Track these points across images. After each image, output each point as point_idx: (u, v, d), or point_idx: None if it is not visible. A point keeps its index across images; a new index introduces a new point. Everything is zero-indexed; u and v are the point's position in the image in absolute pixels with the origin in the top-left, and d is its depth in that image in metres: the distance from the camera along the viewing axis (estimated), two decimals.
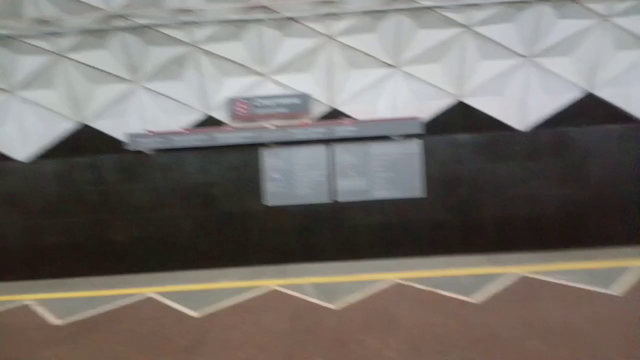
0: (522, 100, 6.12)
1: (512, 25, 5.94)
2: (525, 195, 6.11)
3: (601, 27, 5.87)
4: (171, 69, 6.20)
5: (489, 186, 6.15)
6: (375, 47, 6.09)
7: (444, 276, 4.77)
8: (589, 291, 4.12)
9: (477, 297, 4.12)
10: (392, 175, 6.25)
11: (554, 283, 4.34)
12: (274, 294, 4.61)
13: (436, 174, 6.22)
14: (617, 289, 4.10)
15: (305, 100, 6.23)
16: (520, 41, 5.97)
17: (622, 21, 5.76)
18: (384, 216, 6.20)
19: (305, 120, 6.27)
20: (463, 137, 6.19)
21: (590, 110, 6.13)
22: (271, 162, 6.28)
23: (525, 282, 4.40)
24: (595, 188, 6.06)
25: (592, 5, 5.79)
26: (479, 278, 4.57)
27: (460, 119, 6.21)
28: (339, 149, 6.24)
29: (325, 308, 4.15)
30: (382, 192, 6.24)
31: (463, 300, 4.09)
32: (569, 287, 4.22)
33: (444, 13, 5.90)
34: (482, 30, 5.93)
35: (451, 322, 3.70)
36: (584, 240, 5.90)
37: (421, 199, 6.19)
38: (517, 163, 6.15)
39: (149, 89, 6.25)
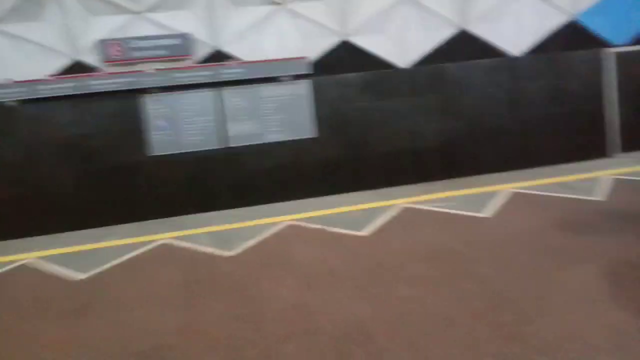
0: (402, 37, 6.29)
1: None
2: (410, 131, 6.44)
3: None
4: (28, 9, 5.44)
5: (376, 123, 6.38)
6: None
7: (337, 213, 4.95)
8: (464, 215, 4.52)
9: (366, 231, 4.34)
10: (283, 117, 6.21)
11: (434, 211, 4.70)
12: (167, 248, 4.48)
13: (326, 114, 6.29)
14: (487, 212, 4.54)
15: (186, 40, 5.85)
16: None
17: None
18: (278, 159, 6.20)
19: (187, 63, 5.92)
20: (349, 76, 6.27)
21: (464, 45, 6.49)
22: (154, 109, 5.90)
23: (408, 212, 4.71)
24: (470, 119, 6.54)
25: None
26: (368, 212, 4.80)
27: (346, 57, 6.26)
28: (227, 92, 6.02)
29: (221, 256, 4.13)
30: (274, 135, 6.20)
31: (353, 235, 4.29)
32: (447, 214, 4.60)
33: None
34: None
35: (342, 255, 3.88)
36: (462, 169, 6.42)
37: (313, 139, 6.25)
38: (401, 99, 6.41)
39: (4, 32, 5.46)
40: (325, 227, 4.55)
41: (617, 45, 6.76)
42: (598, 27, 6.68)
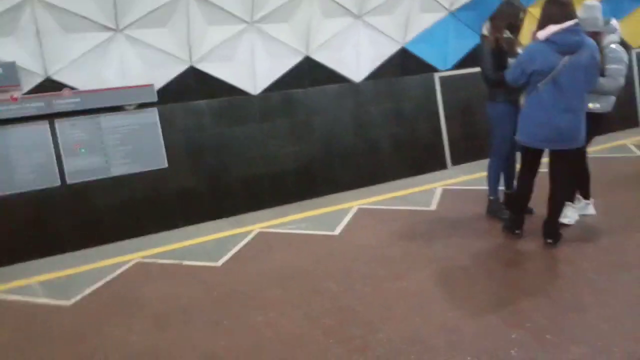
0: (250, 65, 6.41)
1: None
2: (265, 155, 6.53)
3: None
4: None
5: (230, 150, 6.36)
6: (92, 9, 5.49)
7: (192, 245, 4.79)
8: (316, 235, 4.69)
9: (221, 260, 4.27)
10: (130, 148, 5.89)
11: (289, 233, 4.80)
12: None
13: (178, 142, 6.11)
14: (337, 230, 4.77)
15: (10, 69, 5.28)
16: (242, 7, 6.15)
17: None
18: (128, 193, 5.84)
19: (14, 94, 5.33)
20: (200, 103, 6.19)
21: (310, 72, 6.82)
22: None
23: (264, 237, 4.75)
24: (321, 142, 6.86)
25: None
26: (224, 241, 4.73)
27: (195, 85, 6.18)
28: (62, 124, 5.54)
29: (58, 306, 3.74)
30: (121, 167, 5.84)
31: (208, 266, 4.19)
32: (300, 235, 4.73)
33: None
34: None
35: (196, 289, 3.76)
36: (317, 190, 6.66)
37: (165, 169, 6.02)
38: (255, 125, 6.50)
39: None
40: (179, 261, 4.38)
41: (442, 70, 7.64)
42: (425, 54, 7.50)
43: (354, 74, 7.09)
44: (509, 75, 3.91)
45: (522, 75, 3.78)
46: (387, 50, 7.29)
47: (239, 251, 4.46)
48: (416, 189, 5.75)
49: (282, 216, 5.29)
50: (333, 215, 5.17)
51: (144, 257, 4.55)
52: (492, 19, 4.38)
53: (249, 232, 4.90)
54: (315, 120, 6.86)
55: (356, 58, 7.06)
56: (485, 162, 4.80)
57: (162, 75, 5.97)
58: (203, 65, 6.16)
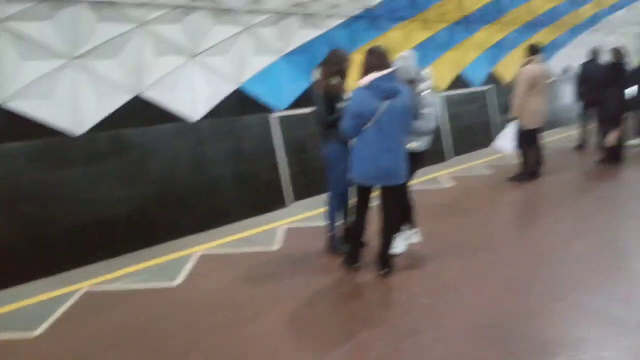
0: (74, 103, 5.81)
1: (50, 24, 5.48)
2: (92, 202, 5.89)
3: (141, 32, 6.18)
4: None
5: (51, 197, 5.59)
6: None
7: (3, 313, 4.04)
8: (154, 288, 4.33)
9: (37, 329, 3.67)
10: None
11: (121, 289, 4.36)
12: None
13: None
14: (179, 279, 4.48)
15: None
16: (61, 41, 5.59)
17: (156, 28, 6.23)
18: None
19: None
20: (12, 146, 5.36)
21: (143, 111, 6.44)
22: None
23: (91, 297, 4.23)
24: (158, 184, 6.45)
25: (131, 11, 6.00)
26: (42, 305, 4.09)
27: (5, 125, 5.36)
28: None
29: None
30: None
31: (20, 339, 3.55)
32: (135, 290, 4.32)
33: None
34: (19, 26, 5.23)
35: None
36: (156, 237, 6.20)
37: None
38: (81, 169, 5.84)
39: None
40: None
41: (280, 110, 7.89)
42: (261, 94, 7.67)
43: (190, 112, 6.90)
44: (345, 128, 4.16)
45: (354, 124, 4.06)
46: (224, 89, 7.28)
47: (63, 316, 3.89)
48: (259, 229, 5.74)
49: (114, 270, 4.80)
50: (173, 263, 4.87)
51: None
52: (322, 66, 4.67)
53: (75, 291, 4.33)
54: (150, 161, 6.46)
55: (192, 97, 6.90)
56: (323, 198, 5.01)
57: None
58: (15, 103, 5.39)
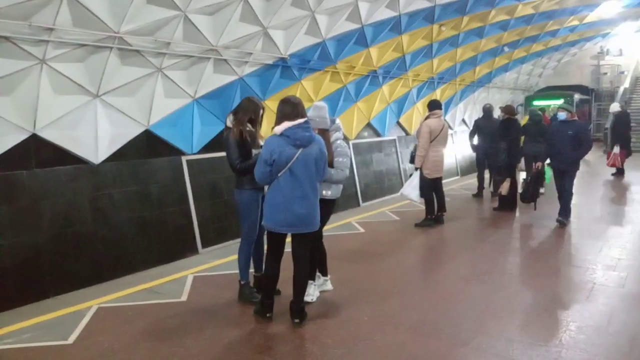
0: None
1: None
2: None
3: (39, 69, 5.78)
4: None
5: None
6: None
7: None
8: (43, 348, 3.87)
9: None
10: None
11: (8, 348, 3.85)
12: None
13: None
14: (72, 337, 4.05)
15: None
16: None
17: (57, 66, 5.86)
18: None
19: None
20: None
21: (39, 151, 5.94)
22: None
23: None
24: (52, 231, 5.90)
25: (31, 48, 5.61)
26: None
27: None
28: None
29: None
30: None
31: None
32: (20, 350, 3.84)
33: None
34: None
35: None
36: (46, 290, 5.60)
37: None
38: None
39: None
40: None
41: (189, 154, 7.68)
42: (170, 137, 7.44)
43: (92, 154, 6.48)
44: (257, 174, 4.12)
45: (267, 171, 4.04)
46: (130, 131, 6.96)
47: None
48: (166, 279, 5.42)
49: (0, 327, 4.24)
50: (66, 319, 4.41)
51: None
52: (236, 112, 4.64)
53: None
54: (43, 205, 5.92)
55: (94, 138, 6.50)
56: (235, 245, 4.86)
57: None
58: None
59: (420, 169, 7.73)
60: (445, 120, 8.54)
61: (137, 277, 5.54)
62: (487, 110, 10.72)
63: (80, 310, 4.61)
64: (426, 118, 7.95)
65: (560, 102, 13.23)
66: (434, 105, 8.06)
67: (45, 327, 4.27)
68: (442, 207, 8.14)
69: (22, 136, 5.75)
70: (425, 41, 11.32)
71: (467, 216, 8.84)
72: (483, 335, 4.08)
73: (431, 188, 7.86)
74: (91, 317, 4.44)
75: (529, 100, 19.42)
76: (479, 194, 10.66)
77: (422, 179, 7.69)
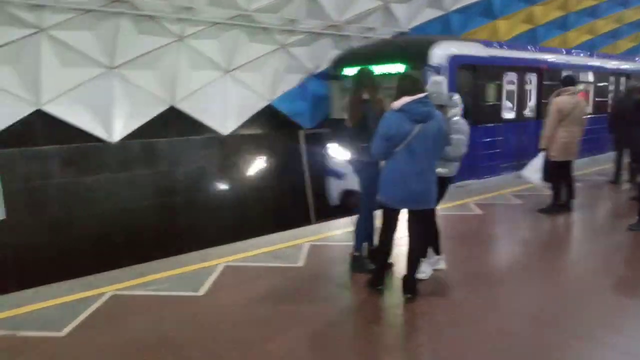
0: (108, 111, 5.99)
1: (92, 34, 5.69)
2: (121, 209, 6.02)
3: (177, 46, 6.35)
4: None
5: (81, 201, 5.75)
6: None
7: (27, 312, 4.11)
8: (178, 297, 4.36)
9: (63, 330, 3.72)
10: None
11: (146, 295, 4.40)
12: None
13: (18, 191, 5.36)
14: (202, 290, 4.50)
15: None
16: (100, 51, 5.79)
17: (195, 43, 6.39)
18: None
19: None
20: (46, 149, 5.55)
21: (174, 122, 6.58)
22: None
23: (116, 301, 4.28)
24: (185, 194, 6.57)
25: (168, 25, 6.18)
26: (68, 306, 4.15)
27: (42, 129, 5.55)
28: None
29: None
30: None
31: (47, 337, 3.61)
32: (160, 297, 4.36)
33: (13, 11, 5.10)
34: (60, 35, 5.44)
35: None
36: (181, 246, 6.27)
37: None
38: (110, 175, 5.99)
39: None
40: (12, 332, 3.71)
41: (306, 128, 7.96)
42: (290, 112, 7.76)
43: (221, 125, 7.01)
44: (374, 149, 4.15)
45: (384, 146, 4.05)
46: (255, 105, 7.39)
47: (88, 318, 3.94)
48: (285, 245, 5.72)
49: (140, 276, 4.85)
50: (197, 273, 4.89)
51: None
52: (354, 84, 4.68)
53: (101, 295, 4.38)
54: (179, 171, 6.58)
55: (224, 110, 7.02)
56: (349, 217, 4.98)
57: (1, 116, 5.27)
58: (51, 107, 5.58)
59: (545, 150, 7.15)
60: (579, 98, 7.74)
61: (257, 241, 5.91)
62: (630, 90, 9.53)
63: (210, 267, 5.07)
64: (557, 95, 7.30)
65: None
66: (566, 82, 7.36)
67: (180, 279, 4.78)
68: (571, 193, 7.49)
69: (162, 108, 6.42)
70: (561, 11, 10.36)
71: (599, 205, 8.06)
72: (607, 330, 3.76)
73: (556, 172, 7.25)
74: (219, 274, 4.87)
75: None
76: (616, 181, 9.62)
77: (548, 162, 7.12)
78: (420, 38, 8.39)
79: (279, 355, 3.38)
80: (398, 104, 4.03)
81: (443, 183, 4.60)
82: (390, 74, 7.37)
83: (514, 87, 9.68)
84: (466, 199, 8.03)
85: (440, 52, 8.09)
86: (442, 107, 4.51)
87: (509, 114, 9.82)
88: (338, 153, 6.84)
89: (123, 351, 3.44)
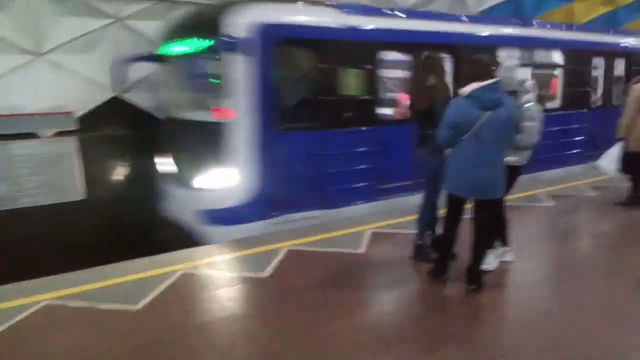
0: None
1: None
2: None
3: None
4: None
5: (150, 182, 6.04)
6: (11, 30, 5.12)
7: (107, 286, 4.43)
8: (245, 277, 4.53)
9: (139, 304, 3.98)
10: (43, 178, 5.44)
11: (216, 274, 4.61)
12: None
13: (97, 173, 5.75)
14: (268, 271, 4.64)
15: None
16: None
17: None
18: (35, 227, 5.35)
19: None
20: (122, 133, 5.89)
21: None
22: None
23: (189, 279, 4.51)
24: None
25: None
26: (144, 282, 4.43)
27: (118, 114, 5.89)
28: None
29: None
30: (30, 198, 5.37)
31: (123, 310, 3.88)
32: (229, 276, 4.56)
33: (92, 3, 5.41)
34: (133, 23, 5.73)
35: (107, 338, 3.47)
36: None
37: (81, 202, 5.61)
38: None
39: None
40: (92, 304, 4.01)
41: None
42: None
43: None
44: (440, 137, 4.06)
45: (450, 134, 3.95)
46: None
47: (162, 294, 4.20)
48: (346, 231, 5.77)
49: (211, 255, 5.08)
50: (262, 256, 5.05)
51: (51, 300, 4.12)
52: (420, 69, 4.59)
53: (174, 272, 4.64)
54: None
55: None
56: (412, 205, 4.93)
57: (84, 101, 5.64)
58: (127, 94, 5.88)
59: (623, 140, 6.68)
60: None
61: (317, 227, 5.98)
62: None
63: (275, 249, 5.21)
64: (637, 82, 6.78)
65: None
66: None
67: (246, 260, 4.96)
68: None
69: None
70: None
71: None
72: None
73: (635, 163, 6.76)
74: (281, 257, 5.00)
75: None
76: None
77: (624, 153, 6.66)
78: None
79: (339, 337, 3.44)
80: (466, 89, 3.91)
81: (512, 172, 4.43)
82: (186, 54, 5.51)
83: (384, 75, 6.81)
84: (538, 190, 7.69)
85: (243, 20, 5.26)
86: (513, 93, 4.34)
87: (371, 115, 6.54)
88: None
89: (193, 324, 3.63)
